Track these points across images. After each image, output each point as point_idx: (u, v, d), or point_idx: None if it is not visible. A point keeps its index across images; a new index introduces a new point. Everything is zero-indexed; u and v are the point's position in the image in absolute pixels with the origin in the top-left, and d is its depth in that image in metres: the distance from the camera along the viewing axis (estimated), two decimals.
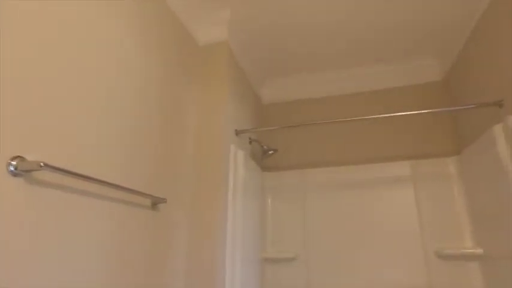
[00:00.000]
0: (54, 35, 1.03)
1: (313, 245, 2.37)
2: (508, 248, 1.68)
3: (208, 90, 2.00)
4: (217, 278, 1.61)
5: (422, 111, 1.90)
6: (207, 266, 1.63)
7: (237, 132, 2.11)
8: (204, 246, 1.67)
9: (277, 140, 2.73)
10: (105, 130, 1.22)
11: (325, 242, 2.35)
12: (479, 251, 1.99)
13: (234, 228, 1.85)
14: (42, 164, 0.85)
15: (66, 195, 1.01)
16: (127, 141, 1.35)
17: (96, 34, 1.22)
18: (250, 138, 2.42)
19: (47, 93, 0.98)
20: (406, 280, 2.13)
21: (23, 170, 0.87)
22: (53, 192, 0.97)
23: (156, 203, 1.49)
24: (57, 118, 1.01)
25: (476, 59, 2.00)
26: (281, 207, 2.53)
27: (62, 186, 1.00)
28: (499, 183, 1.72)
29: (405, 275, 2.14)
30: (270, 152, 2.35)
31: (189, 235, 1.71)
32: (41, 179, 0.93)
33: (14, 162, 0.85)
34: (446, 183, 2.25)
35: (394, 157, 2.44)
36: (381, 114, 1.95)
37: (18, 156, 0.87)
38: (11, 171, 0.85)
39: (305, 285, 2.30)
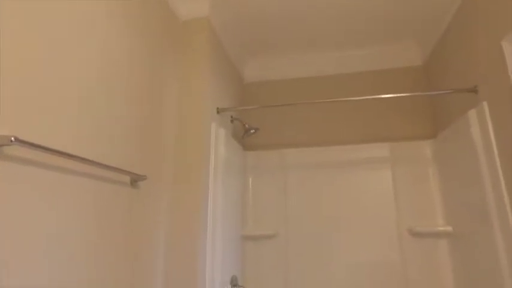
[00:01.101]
0: (33, 8, 0.97)
1: (292, 223, 2.43)
2: (472, 226, 1.78)
3: (189, 67, 1.96)
4: (198, 255, 1.63)
5: (401, 94, 1.94)
6: (188, 243, 1.65)
7: (219, 111, 2.09)
8: (185, 224, 1.68)
9: (258, 120, 2.73)
10: (82, 105, 1.18)
11: (305, 221, 2.41)
12: (449, 228, 2.09)
13: (215, 206, 1.86)
14: (13, 138, 0.82)
15: (40, 171, 0.98)
16: (105, 117, 1.31)
17: (76, 9, 1.15)
18: (231, 117, 2.41)
19: (19, 64, 0.93)
20: (381, 256, 2.22)
21: None
22: (26, 169, 0.93)
23: (136, 180, 1.48)
24: (31, 91, 0.97)
25: (455, 45, 2.03)
26: (262, 186, 2.56)
27: (36, 162, 0.97)
28: (470, 166, 1.79)
29: (380, 251, 2.23)
30: (251, 131, 2.34)
31: (170, 213, 1.71)
32: (12, 155, 0.90)
33: None
34: (422, 166, 2.32)
35: (374, 139, 2.49)
36: (361, 96, 1.97)
37: None
38: None
39: (284, 262, 2.37)
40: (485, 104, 1.66)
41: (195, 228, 1.67)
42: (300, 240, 2.38)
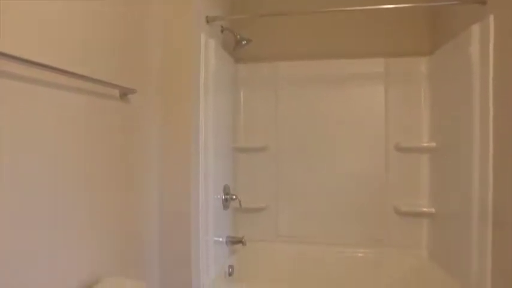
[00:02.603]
0: None
1: (283, 136, 2.49)
2: (455, 142, 1.85)
3: None
4: (191, 166, 1.69)
5: (402, 5, 1.81)
6: (181, 155, 1.69)
7: (208, 20, 1.94)
8: (177, 137, 1.70)
9: (250, 30, 2.56)
10: (67, 15, 1.08)
11: (295, 133, 2.47)
12: (433, 144, 2.19)
13: (207, 118, 1.86)
14: None
15: (28, 86, 0.94)
16: (91, 27, 1.20)
17: None
18: (222, 27, 2.26)
19: None
20: (367, 167, 2.36)
21: None
22: (12, 84, 0.88)
23: (125, 93, 1.43)
24: (16, 5, 0.87)
25: None
26: (253, 99, 2.55)
27: (23, 78, 0.91)
28: (462, 86, 1.78)
29: (366, 163, 2.36)
30: (243, 43, 2.22)
31: (162, 126, 1.71)
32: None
33: None
34: (416, 83, 2.31)
35: (369, 53, 2.41)
36: (358, 6, 1.83)
37: None
38: None
39: (275, 173, 2.49)
40: (491, 17, 1.58)
41: (187, 140, 1.69)
42: (290, 152, 2.47)
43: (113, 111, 1.36)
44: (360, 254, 2.35)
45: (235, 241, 2.27)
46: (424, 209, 2.23)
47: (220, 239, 2.12)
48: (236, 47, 2.25)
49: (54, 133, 1.04)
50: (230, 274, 2.12)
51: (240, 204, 2.34)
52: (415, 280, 2.16)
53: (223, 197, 2.18)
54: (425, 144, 2.24)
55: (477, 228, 1.66)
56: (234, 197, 2.26)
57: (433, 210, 2.18)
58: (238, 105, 2.55)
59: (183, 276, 1.66)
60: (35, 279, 0.96)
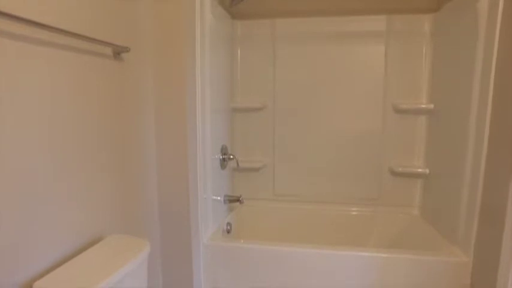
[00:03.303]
0: None
1: (281, 95, 2.45)
2: (453, 104, 1.84)
3: None
4: (188, 125, 1.68)
5: None
6: (177, 114, 1.66)
7: None
8: (173, 96, 1.67)
9: None
10: None
11: (293, 92, 2.43)
12: (431, 106, 2.17)
13: (203, 77, 1.82)
14: None
15: (21, 45, 0.90)
16: None
17: None
18: None
19: None
20: (364, 126, 2.36)
21: None
22: (4, 42, 0.85)
23: (118, 52, 1.39)
24: None
25: None
26: (251, 57, 2.48)
27: (17, 36, 0.87)
28: (466, 47, 1.73)
29: (364, 122, 2.35)
30: None
31: (157, 85, 1.68)
32: None
33: None
34: (418, 42, 2.24)
35: (370, 10, 2.31)
36: None
37: None
38: None
39: (272, 133, 2.49)
40: None
41: (183, 99, 1.67)
42: (287, 111, 2.45)
43: (107, 70, 1.32)
44: (354, 213, 2.43)
45: (233, 200, 2.32)
46: (419, 170, 2.27)
47: (219, 198, 2.17)
48: (232, 3, 2.15)
49: (49, 91, 1.02)
50: (228, 231, 2.20)
51: (237, 164, 2.37)
52: (405, 237, 2.25)
53: (221, 157, 2.19)
54: (423, 106, 2.22)
55: (468, 189, 1.71)
56: (232, 156, 2.28)
57: (427, 171, 2.22)
58: (235, 64, 2.49)
59: (182, 233, 1.72)
60: (38, 236, 0.98)
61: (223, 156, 2.22)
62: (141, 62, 1.58)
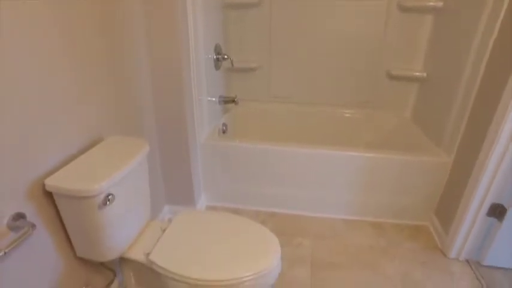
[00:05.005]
0: None
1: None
2: (465, 4, 1.72)
3: None
4: (179, 24, 1.56)
5: None
6: (167, 12, 1.53)
7: None
8: None
9: None
10: None
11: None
12: (440, 4, 2.03)
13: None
14: None
15: None
16: None
17: None
18: None
19: None
20: (365, 28, 2.23)
21: None
22: None
23: None
24: None
25: None
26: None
27: None
28: None
29: (365, 24, 2.22)
30: None
31: None
32: None
33: None
34: None
35: None
36: None
37: None
38: None
39: (268, 31, 2.36)
40: None
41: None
42: (285, 8, 2.27)
43: None
44: (347, 115, 2.48)
45: (228, 101, 2.33)
46: (416, 74, 2.24)
47: (214, 99, 2.16)
48: None
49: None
50: (224, 132, 2.26)
51: (232, 64, 2.30)
52: (395, 139, 2.36)
53: (215, 57, 2.11)
54: (431, 3, 2.07)
55: (461, 96, 1.72)
56: (226, 56, 2.20)
57: (424, 74, 2.20)
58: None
59: (179, 134, 1.76)
60: (45, 137, 1.00)
61: (217, 56, 2.14)
62: None
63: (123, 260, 1.31)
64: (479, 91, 1.60)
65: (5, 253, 0.84)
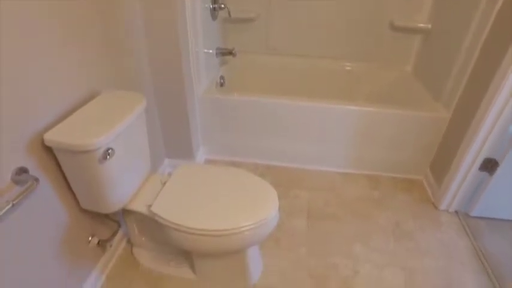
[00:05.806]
0: None
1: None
2: None
3: None
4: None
5: None
6: None
7: None
8: None
9: None
10: None
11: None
12: None
13: None
14: None
15: None
16: None
17: None
18: None
19: None
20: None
21: None
22: None
23: None
24: None
25: None
26: None
27: None
28: None
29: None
30: None
31: None
32: None
33: None
34: None
35: None
36: None
37: None
38: None
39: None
40: None
41: None
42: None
43: None
44: (347, 68, 2.43)
45: (225, 52, 2.26)
46: (421, 25, 2.16)
47: (210, 51, 2.10)
48: None
49: None
50: (222, 85, 2.22)
51: (229, 14, 2.20)
52: (394, 92, 2.33)
53: (211, 6, 2.02)
54: None
55: (465, 52, 1.68)
56: (223, 6, 2.09)
57: (429, 26, 2.12)
58: None
59: (176, 88, 1.73)
60: (41, 92, 0.98)
61: (214, 5, 2.04)
62: None
63: (126, 212, 1.36)
64: (484, 46, 1.55)
65: (12, 205, 0.87)
